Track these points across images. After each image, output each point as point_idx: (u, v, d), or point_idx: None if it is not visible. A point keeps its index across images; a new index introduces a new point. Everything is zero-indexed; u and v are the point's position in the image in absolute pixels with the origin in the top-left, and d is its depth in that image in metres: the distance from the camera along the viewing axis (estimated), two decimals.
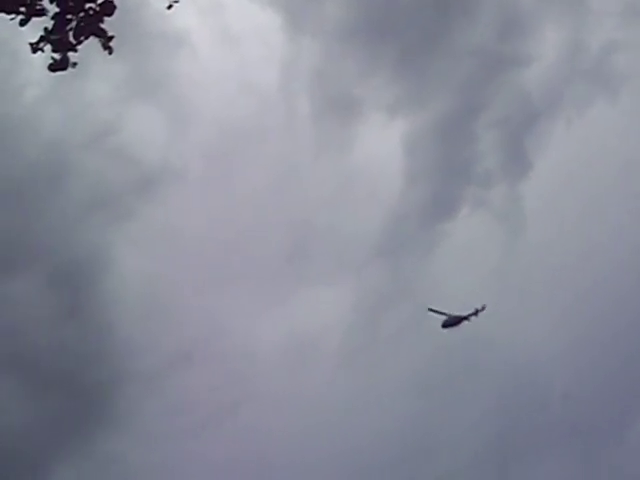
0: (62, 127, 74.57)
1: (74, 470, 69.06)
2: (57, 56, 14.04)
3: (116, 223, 74.59)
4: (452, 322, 72.37)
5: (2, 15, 13.58)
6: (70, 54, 14.03)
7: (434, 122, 78.79)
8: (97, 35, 13.94)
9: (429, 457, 69.47)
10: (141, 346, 72.70)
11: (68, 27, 13.91)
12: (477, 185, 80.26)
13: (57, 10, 13.86)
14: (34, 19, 13.71)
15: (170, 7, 14.97)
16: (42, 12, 13.67)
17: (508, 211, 79.53)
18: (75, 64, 14.14)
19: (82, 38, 13.96)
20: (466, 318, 72.10)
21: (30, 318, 72.04)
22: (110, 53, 14.11)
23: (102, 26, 14.01)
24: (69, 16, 13.78)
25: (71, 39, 14.01)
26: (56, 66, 14.08)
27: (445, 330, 72.37)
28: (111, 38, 14.05)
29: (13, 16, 13.58)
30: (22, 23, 13.66)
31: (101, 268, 73.05)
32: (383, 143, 78.18)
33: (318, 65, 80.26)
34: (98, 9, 13.91)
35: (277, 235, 78.17)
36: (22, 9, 13.50)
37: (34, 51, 14.02)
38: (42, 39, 13.96)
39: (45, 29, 13.92)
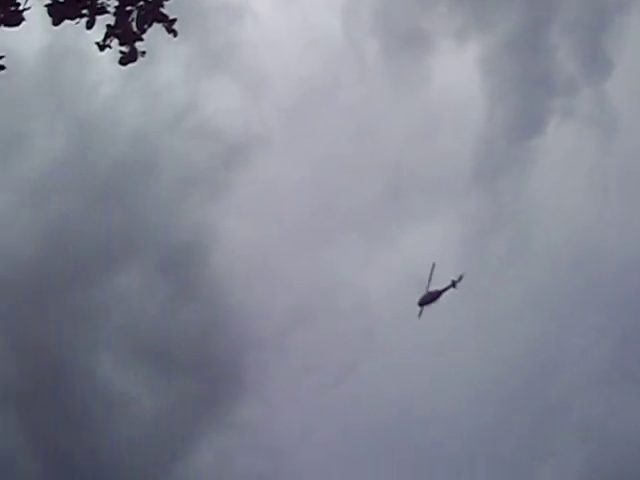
0: (141, 116, 75.73)
1: (219, 443, 71.04)
2: (125, 49, 14.30)
3: (212, 198, 75.65)
4: (429, 298, 68.81)
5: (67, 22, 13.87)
6: (137, 44, 14.27)
7: (506, 39, 77.46)
8: (159, 20, 14.14)
9: (552, 377, 69.16)
10: (258, 312, 73.95)
11: (130, 18, 14.14)
12: (561, 95, 78.71)
13: (116, 4, 14.10)
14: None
15: None
16: (103, 10, 13.93)
17: (597, 115, 77.86)
18: (144, 53, 14.38)
19: (145, 26, 14.18)
20: (444, 291, 68.84)
21: (148, 307, 73.94)
22: (175, 36, 14.31)
23: (163, 11, 14.20)
24: (129, 7, 14.01)
25: (135, 29, 14.24)
26: (126, 59, 14.34)
27: (423, 307, 69.23)
28: (174, 21, 14.24)
29: (77, 20, 13.87)
30: (89, 26, 13.94)
31: (206, 244, 74.26)
32: (459, 70, 77.27)
33: (379, 5, 79.62)
34: None
35: (371, 181, 78.21)
36: (84, 11, 13.77)
37: (102, 49, 14.30)
38: (107, 35, 14.22)
39: (108, 25, 14.18)
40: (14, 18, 13.82)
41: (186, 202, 76.24)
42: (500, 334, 71.71)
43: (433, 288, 69.67)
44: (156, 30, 14.46)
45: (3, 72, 13.85)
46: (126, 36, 14.16)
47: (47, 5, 13.86)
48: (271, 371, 72.00)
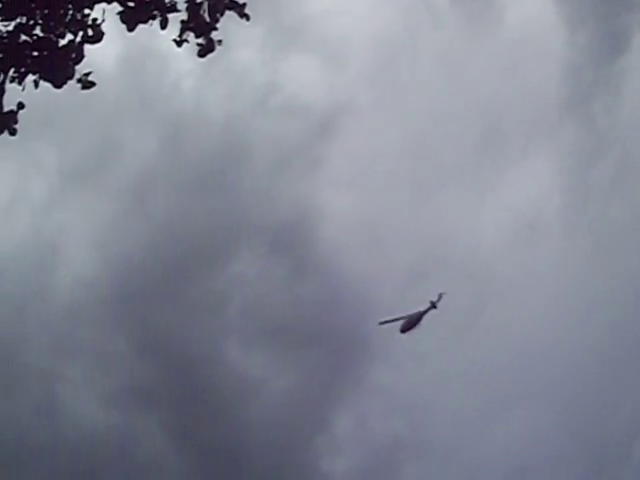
0: (227, 104, 76.43)
1: (355, 409, 71.99)
2: (202, 41, 14.49)
3: (309, 173, 76.01)
4: (411, 324, 66.21)
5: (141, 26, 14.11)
6: (212, 34, 14.45)
7: None
8: (230, 8, 14.28)
9: None
10: (374, 278, 74.27)
11: (201, 11, 14.32)
12: None
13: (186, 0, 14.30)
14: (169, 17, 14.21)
15: None
16: (174, 8, 14.14)
17: None
18: (220, 42, 14.56)
19: (218, 16, 14.34)
20: (424, 314, 65.31)
21: (265, 289, 75.13)
22: (248, 19, 14.45)
23: None
24: (199, 0, 14.19)
25: (208, 20, 14.41)
26: (204, 50, 14.57)
27: (406, 335, 65.38)
28: (244, 5, 14.37)
29: (151, 22, 14.11)
30: (163, 26, 14.18)
31: (311, 219, 74.69)
32: (531, 1, 75.80)
33: None
34: None
35: (462, 127, 77.38)
36: (155, 12, 14.00)
37: (179, 45, 14.55)
38: (183, 31, 14.44)
39: (182, 21, 14.39)
40: (96, 35, 14.16)
41: (284, 181, 76.81)
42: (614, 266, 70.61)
43: (413, 311, 67.63)
44: (228, 17, 14.61)
45: (94, 88, 14.21)
46: (200, 28, 14.37)
47: (119, 12, 14.14)
48: (392, 334, 72.30)
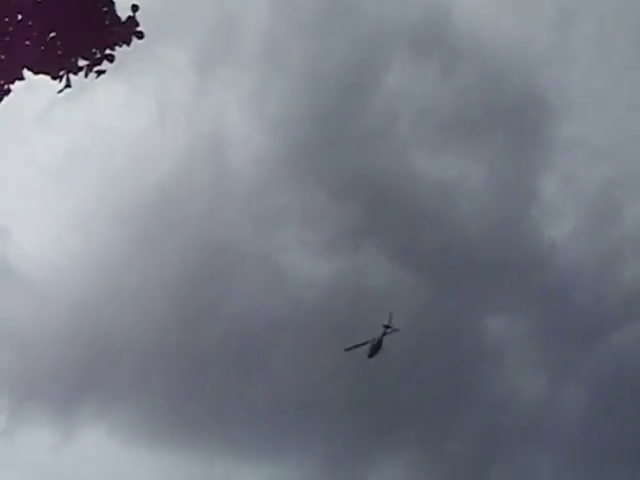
0: None
1: (557, 171, 71.80)
2: None
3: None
4: (376, 348, 69.43)
5: None
6: None
7: None
8: None
9: None
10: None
11: None
12: None
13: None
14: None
15: None
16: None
17: None
18: None
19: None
20: (383, 336, 69.13)
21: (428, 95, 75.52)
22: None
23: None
24: None
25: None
26: None
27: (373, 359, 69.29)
28: None
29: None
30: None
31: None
32: None
33: None
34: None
35: None
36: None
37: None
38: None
39: None
40: None
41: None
42: None
43: (371, 337, 71.01)
44: None
45: None
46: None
47: None
48: None
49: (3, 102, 15.40)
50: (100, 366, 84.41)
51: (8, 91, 15.27)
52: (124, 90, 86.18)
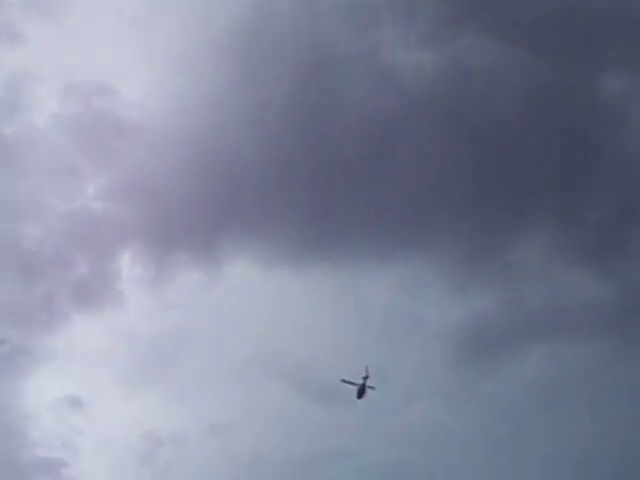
0: None
1: None
2: None
3: None
4: (361, 391, 74.59)
5: None
6: None
7: None
8: None
9: None
10: None
11: None
12: None
13: None
14: None
15: None
16: None
17: None
18: None
19: None
20: (365, 382, 73.85)
21: None
22: None
23: None
24: None
25: None
26: None
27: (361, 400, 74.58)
28: None
29: None
30: None
31: None
32: None
33: None
34: None
35: None
36: None
37: None
38: None
39: None
40: None
41: None
42: None
43: (358, 382, 74.88)
44: None
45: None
46: None
47: None
48: None
49: None
50: (230, 201, 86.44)
51: None
52: None
